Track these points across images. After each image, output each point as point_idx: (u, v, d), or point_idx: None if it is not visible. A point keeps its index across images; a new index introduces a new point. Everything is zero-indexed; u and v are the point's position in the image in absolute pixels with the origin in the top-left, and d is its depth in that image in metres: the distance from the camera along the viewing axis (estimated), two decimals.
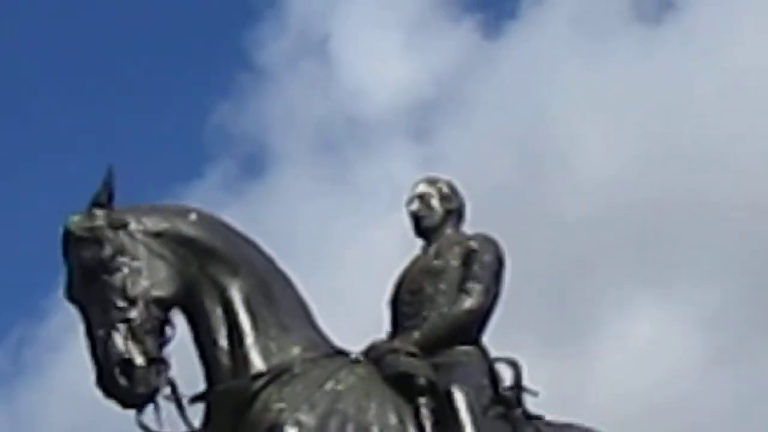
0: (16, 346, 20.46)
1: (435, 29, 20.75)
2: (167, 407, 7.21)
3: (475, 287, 7.58)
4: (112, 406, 7.38)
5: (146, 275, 7.16)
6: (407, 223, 7.78)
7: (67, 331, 8.17)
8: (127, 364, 6.89)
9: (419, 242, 7.76)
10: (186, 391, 7.26)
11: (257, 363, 7.22)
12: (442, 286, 7.67)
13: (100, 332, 6.98)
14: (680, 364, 17.60)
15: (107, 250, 7.13)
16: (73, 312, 7.35)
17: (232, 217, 7.51)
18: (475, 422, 7.18)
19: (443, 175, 7.91)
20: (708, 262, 18.86)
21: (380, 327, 7.74)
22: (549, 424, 7.54)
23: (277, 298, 7.40)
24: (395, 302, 7.77)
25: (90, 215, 7.21)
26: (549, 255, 14.66)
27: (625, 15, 22.04)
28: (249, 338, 7.27)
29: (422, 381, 7.32)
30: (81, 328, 7.25)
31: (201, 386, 7.34)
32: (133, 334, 7.04)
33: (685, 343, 17.72)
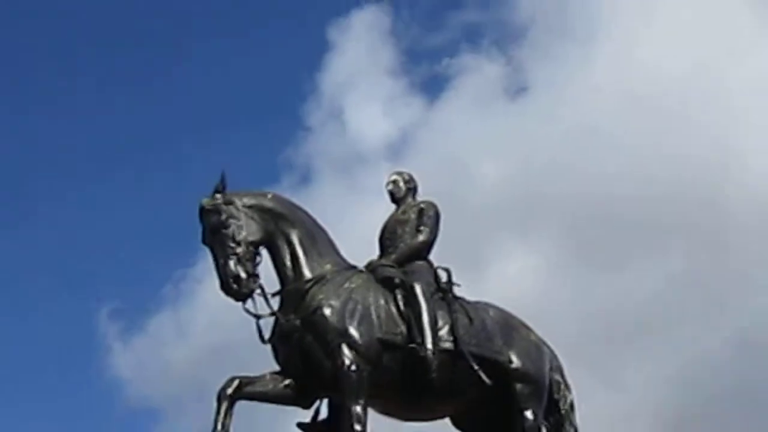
0: (175, 282, 31.51)
1: (401, 101, 33.69)
2: (259, 300, 10.33)
3: (425, 230, 11.00)
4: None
5: (245, 229, 10.25)
6: (387, 197, 11.36)
7: (207, 273, 11.04)
8: (237, 277, 10.07)
9: (393, 207, 11.35)
10: (270, 290, 10.38)
11: (307, 274, 10.38)
12: (407, 229, 11.03)
13: (221, 261, 10.16)
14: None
15: (223, 216, 10.26)
16: (208, 259, 10.37)
17: None
18: (427, 301, 10.51)
19: (404, 170, 11.52)
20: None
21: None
22: (468, 301, 10.99)
23: (318, 239, 10.59)
24: (381, 238, 11.21)
25: (213, 197, 10.38)
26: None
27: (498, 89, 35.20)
28: (302, 260, 10.43)
29: (398, 280, 10.67)
30: (212, 262, 10.27)
31: (277, 287, 10.45)
32: (239, 261, 10.16)
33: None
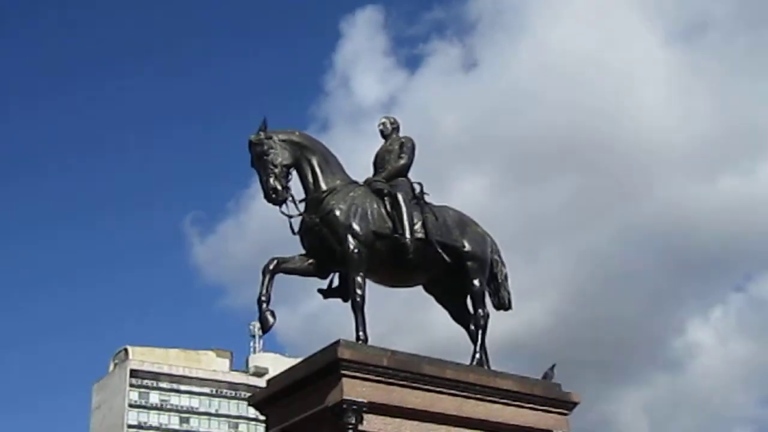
0: (236, 198, 48.01)
1: (390, 74, 43.70)
2: (291, 205, 14.11)
3: (405, 156, 14.75)
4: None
5: (280, 156, 13.87)
6: (378, 135, 15.09)
7: (258, 192, 14.04)
8: (275, 189, 13.93)
9: (382, 141, 15.10)
10: (297, 198, 14.15)
11: (323, 186, 14.01)
12: (392, 156, 14.76)
13: (264, 178, 13.95)
14: None
15: (265, 147, 13.96)
16: (258, 180, 13.70)
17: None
18: (406, 205, 14.24)
19: (391, 115, 15.16)
20: None
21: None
22: (434, 205, 14.63)
23: (331, 162, 14.12)
24: (374, 163, 14.86)
25: (258, 133, 13.96)
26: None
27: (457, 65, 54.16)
28: (320, 177, 14.07)
29: (386, 191, 14.38)
30: (258, 180, 13.79)
31: (303, 197, 14.17)
32: (276, 178, 13.80)
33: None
